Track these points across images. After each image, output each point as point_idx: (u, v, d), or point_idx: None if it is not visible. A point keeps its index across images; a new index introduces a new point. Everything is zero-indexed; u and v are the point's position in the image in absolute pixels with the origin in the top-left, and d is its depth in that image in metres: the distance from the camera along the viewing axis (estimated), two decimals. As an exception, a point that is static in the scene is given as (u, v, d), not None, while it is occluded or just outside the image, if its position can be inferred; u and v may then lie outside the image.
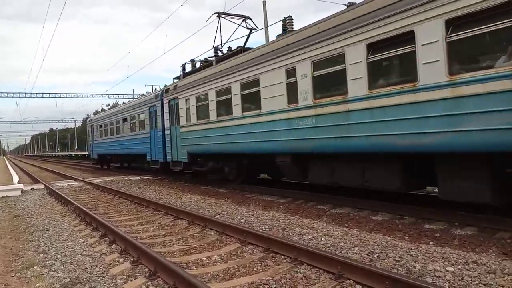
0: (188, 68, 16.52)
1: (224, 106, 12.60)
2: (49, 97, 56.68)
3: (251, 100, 11.26)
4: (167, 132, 16.77)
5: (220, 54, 14.64)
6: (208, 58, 15.36)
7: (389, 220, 7.74)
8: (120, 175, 21.74)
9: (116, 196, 13.06)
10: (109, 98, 69.31)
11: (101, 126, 28.38)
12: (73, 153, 78.39)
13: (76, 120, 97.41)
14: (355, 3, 9.71)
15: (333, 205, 9.44)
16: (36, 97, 53.95)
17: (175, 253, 6.04)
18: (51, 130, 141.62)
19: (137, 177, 19.91)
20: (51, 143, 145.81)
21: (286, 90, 9.73)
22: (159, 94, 18.04)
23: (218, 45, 14.94)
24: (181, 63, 17.99)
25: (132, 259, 5.59)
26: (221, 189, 13.86)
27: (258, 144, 10.85)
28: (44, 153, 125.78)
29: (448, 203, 8.13)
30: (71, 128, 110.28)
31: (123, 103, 39.45)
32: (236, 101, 11.84)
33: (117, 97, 69.09)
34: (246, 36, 14.21)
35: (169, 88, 16.96)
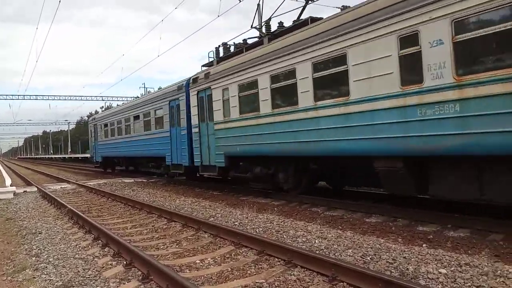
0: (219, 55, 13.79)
1: (284, 95, 9.98)
2: (43, 99, 56.34)
3: (331, 84, 8.65)
4: (194, 130, 14.03)
5: (262, 36, 11.82)
6: (248, 40, 12.68)
7: (382, 222, 7.76)
8: (114, 178, 21.63)
9: (109, 199, 12.98)
10: (103, 100, 68.84)
11: (106, 125, 25.48)
12: (66, 156, 77.98)
13: (69, 123, 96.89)
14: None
15: (327, 207, 9.45)
16: (30, 99, 53.65)
17: (168, 256, 6.01)
18: (44, 132, 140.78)
19: (131, 180, 19.82)
20: (44, 146, 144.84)
21: (399, 65, 7.11)
22: (182, 85, 15.19)
23: (264, 22, 12.11)
24: (210, 49, 14.98)
25: (125, 262, 5.56)
26: (215, 192, 13.83)
27: (342, 144, 8.24)
28: (37, 156, 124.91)
29: (440, 206, 8.19)
30: (64, 130, 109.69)
31: (123, 102, 35.88)
32: (305, 86, 9.06)
33: (111, 99, 68.60)
34: (302, 8, 11.32)
35: (197, 77, 13.97)
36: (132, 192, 14.52)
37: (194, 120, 14.07)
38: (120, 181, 19.42)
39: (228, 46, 13.58)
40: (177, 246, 6.59)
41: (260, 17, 13.27)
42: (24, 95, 52.21)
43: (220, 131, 12.50)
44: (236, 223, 7.99)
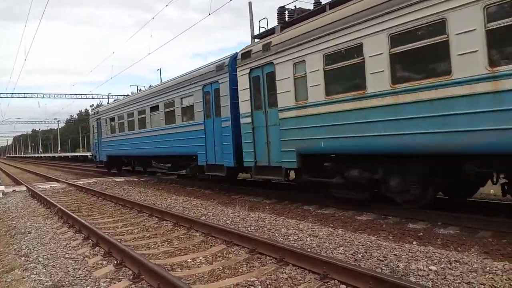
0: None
1: (420, 62, 6.75)
2: (32, 97, 55.62)
3: None
4: (245, 121, 10.90)
5: None
6: None
7: (373, 220, 7.81)
8: (104, 177, 21.46)
9: (99, 198, 12.88)
10: (92, 98, 68.31)
11: (112, 119, 21.75)
12: (56, 155, 77.22)
13: (59, 121, 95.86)
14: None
15: (319, 205, 9.48)
16: (18, 97, 52.87)
17: (159, 255, 5.98)
18: (33, 131, 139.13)
19: (122, 179, 19.68)
20: (33, 144, 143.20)
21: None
22: (224, 64, 11.95)
23: None
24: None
25: (115, 262, 5.51)
26: (207, 190, 13.80)
27: None
28: (26, 155, 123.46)
29: (430, 203, 8.26)
30: (54, 129, 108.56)
31: (125, 96, 30.06)
32: (466, 45, 5.95)
33: (101, 97, 68.09)
34: None
35: (249, 51, 10.77)
36: (123, 191, 14.42)
37: (244, 107, 10.90)
38: (110, 180, 19.27)
39: (291, 10, 10.43)
40: (168, 245, 6.55)
41: None
42: (12, 93, 51.52)
43: (289, 121, 9.35)
44: (228, 221, 7.98)
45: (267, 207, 9.92)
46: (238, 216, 8.37)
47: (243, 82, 10.95)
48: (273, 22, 10.73)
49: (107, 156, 23.17)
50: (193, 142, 13.33)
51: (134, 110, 18.87)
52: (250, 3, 23.55)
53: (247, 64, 10.80)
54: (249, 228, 7.24)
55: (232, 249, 6.02)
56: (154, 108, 16.57)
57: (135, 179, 19.52)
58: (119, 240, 6.60)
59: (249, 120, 10.78)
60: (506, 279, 4.07)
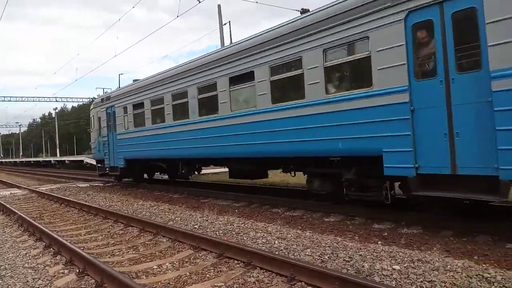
0: None
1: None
2: (-9, 100, 53.19)
3: None
4: None
5: None
6: None
7: (340, 221, 7.92)
8: (67, 182, 20.77)
9: (62, 205, 12.43)
10: (56, 101, 65.99)
11: (140, 105, 14.97)
12: (17, 160, 74.20)
13: (21, 125, 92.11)
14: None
15: (288, 208, 9.53)
16: (-23, 100, 50.42)
17: (124, 263, 5.82)
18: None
19: (86, 184, 19.11)
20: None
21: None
22: None
23: None
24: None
25: (77, 270, 5.32)
26: (175, 195, 13.59)
27: None
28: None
29: (396, 204, 8.47)
30: (15, 133, 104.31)
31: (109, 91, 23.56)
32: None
33: (66, 100, 65.97)
34: None
35: None
36: (88, 197, 13.98)
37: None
38: (74, 185, 18.67)
39: None
40: (133, 252, 6.39)
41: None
42: (-30, 96, 49.07)
43: None
44: (196, 226, 7.88)
45: (236, 210, 9.88)
46: (207, 220, 8.29)
47: None
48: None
49: (125, 160, 16.01)
50: (375, 130, 6.99)
51: (191, 86, 11.90)
52: (219, 6, 23.55)
53: None
54: (217, 232, 7.17)
55: (200, 254, 5.94)
56: (246, 77, 9.89)
57: (100, 184, 18.98)
58: (82, 248, 6.38)
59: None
60: (465, 277, 4.21)
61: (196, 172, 14.86)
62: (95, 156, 19.45)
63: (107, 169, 17.80)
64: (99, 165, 18.98)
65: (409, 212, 7.59)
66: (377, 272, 4.53)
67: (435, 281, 4.16)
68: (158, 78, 14.02)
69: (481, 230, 6.27)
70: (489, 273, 4.23)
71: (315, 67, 8.00)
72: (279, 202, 10.04)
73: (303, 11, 10.37)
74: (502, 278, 4.09)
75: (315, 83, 8.04)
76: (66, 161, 44.91)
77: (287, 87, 9.01)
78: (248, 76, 9.87)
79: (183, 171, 14.14)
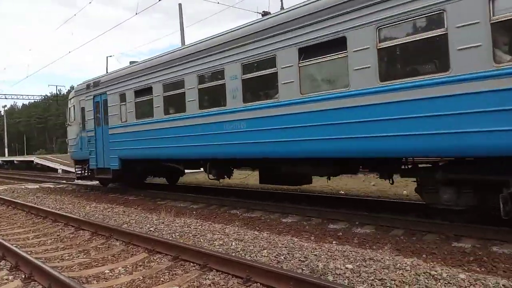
0: None
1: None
2: None
3: None
4: None
5: None
6: None
7: (297, 222, 8.03)
8: (16, 184, 19.70)
9: (9, 207, 11.75)
10: (6, 98, 62.54)
11: (141, 92, 12.11)
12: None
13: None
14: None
15: (246, 209, 9.54)
16: None
17: (74, 267, 5.57)
18: None
19: (36, 186, 18.21)
20: None
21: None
22: None
23: None
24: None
25: (23, 276, 5.05)
26: (131, 197, 13.23)
27: None
28: None
29: (350, 204, 8.72)
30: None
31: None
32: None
33: (16, 97, 62.67)
34: None
35: None
36: (37, 199, 13.29)
37: None
38: (23, 187, 17.73)
39: None
40: (84, 256, 6.14)
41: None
42: None
43: None
44: (151, 228, 7.70)
45: (194, 212, 9.76)
46: (163, 222, 8.12)
47: None
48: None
49: (120, 160, 12.99)
50: None
51: (229, 64, 9.19)
52: (180, 5, 23.24)
53: None
54: (173, 235, 7.05)
55: (154, 257, 5.80)
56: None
57: (50, 186, 18.15)
58: (29, 252, 6.06)
59: None
60: (414, 274, 4.37)
61: (226, 176, 11.05)
62: (75, 155, 15.92)
63: (88, 172, 14.99)
64: (78, 166, 15.85)
65: (362, 212, 7.82)
66: (331, 271, 4.62)
67: (385, 279, 4.29)
68: (177, 55, 10.84)
69: (429, 230, 6.56)
70: (435, 271, 4.42)
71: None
72: (238, 203, 10.02)
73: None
74: (447, 275, 4.29)
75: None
76: (15, 161, 42.75)
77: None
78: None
79: (211, 174, 10.67)
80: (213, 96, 10.00)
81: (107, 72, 18.68)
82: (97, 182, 16.08)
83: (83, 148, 14.96)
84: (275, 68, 8.16)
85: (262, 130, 8.47)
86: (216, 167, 10.58)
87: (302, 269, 4.78)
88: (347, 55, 6.98)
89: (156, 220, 8.44)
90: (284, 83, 8.00)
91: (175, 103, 11.11)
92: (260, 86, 8.94)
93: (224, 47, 9.38)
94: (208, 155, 10.07)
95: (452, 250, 5.68)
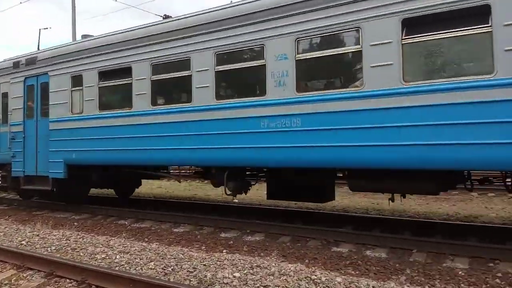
0: None
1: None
2: None
3: None
4: None
5: None
6: None
7: (189, 232, 7.89)
8: None
9: None
10: None
11: (113, 73, 9.00)
12: None
13: None
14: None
15: (136, 219, 9.09)
16: None
17: None
18: None
19: None
20: None
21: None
22: None
23: None
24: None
25: None
26: (1, 206, 11.69)
27: None
28: None
29: (242, 211, 8.86)
30: None
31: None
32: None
33: None
34: None
35: None
36: None
37: None
38: None
39: None
40: None
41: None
42: None
43: None
44: (23, 242, 6.87)
45: (75, 223, 8.97)
46: (38, 235, 7.30)
47: None
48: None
49: (66, 166, 9.58)
50: None
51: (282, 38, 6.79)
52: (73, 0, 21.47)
53: None
54: (49, 249, 6.37)
55: (24, 274, 5.17)
56: None
57: None
58: None
59: None
60: (296, 279, 4.57)
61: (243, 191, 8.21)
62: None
63: (5, 181, 11.29)
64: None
65: (253, 220, 8.00)
66: (219, 281, 4.59)
67: (270, 285, 4.41)
68: (182, 24, 8.03)
69: (313, 236, 6.97)
70: (316, 275, 4.67)
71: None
72: (126, 213, 9.50)
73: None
74: (326, 279, 4.56)
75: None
76: None
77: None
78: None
79: (228, 188, 7.78)
80: (237, 82, 7.84)
81: (39, 49, 14.32)
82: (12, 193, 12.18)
83: (1, 148, 11.33)
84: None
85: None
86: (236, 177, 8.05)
87: (190, 280, 4.68)
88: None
89: (29, 232, 7.57)
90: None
91: (173, 89, 8.61)
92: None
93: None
94: (235, 161, 7.43)
95: (331, 255, 6.09)
